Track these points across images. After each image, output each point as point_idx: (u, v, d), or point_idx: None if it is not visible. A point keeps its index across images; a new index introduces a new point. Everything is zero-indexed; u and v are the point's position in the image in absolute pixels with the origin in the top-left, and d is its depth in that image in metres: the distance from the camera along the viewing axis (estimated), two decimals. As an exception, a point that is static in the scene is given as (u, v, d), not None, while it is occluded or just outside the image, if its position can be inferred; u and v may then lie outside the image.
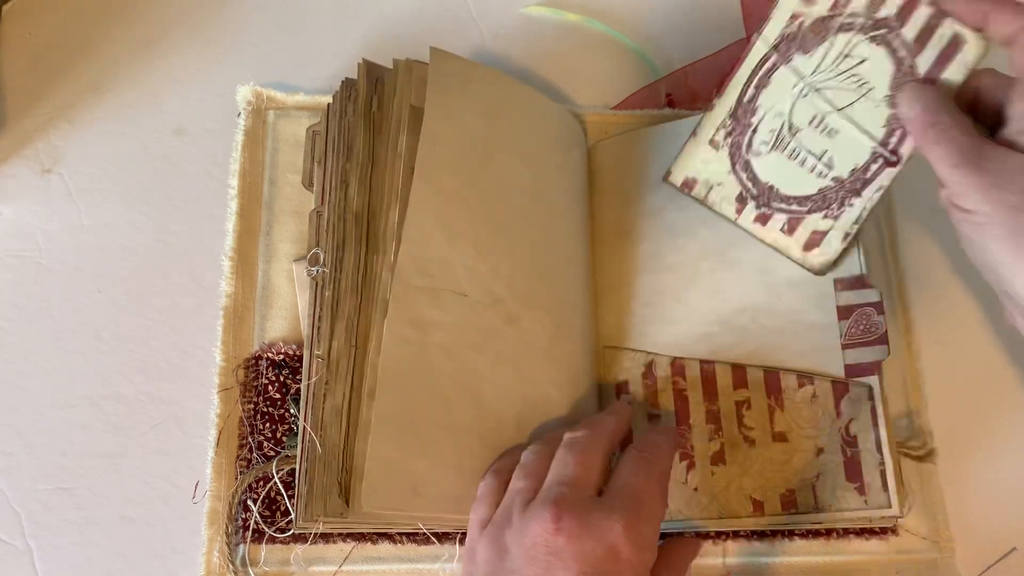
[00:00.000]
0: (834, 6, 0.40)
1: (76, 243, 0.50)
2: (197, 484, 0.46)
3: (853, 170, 0.42)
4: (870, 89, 0.40)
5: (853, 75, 0.41)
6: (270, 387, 0.46)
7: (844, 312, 0.43)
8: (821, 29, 0.41)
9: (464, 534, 0.44)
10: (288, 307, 0.48)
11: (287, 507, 0.44)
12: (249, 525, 0.44)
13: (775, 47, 0.42)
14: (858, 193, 0.42)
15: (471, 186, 0.43)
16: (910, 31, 0.39)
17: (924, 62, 0.39)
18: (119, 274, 0.50)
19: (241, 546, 0.44)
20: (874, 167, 0.41)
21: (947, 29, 0.38)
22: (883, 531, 0.45)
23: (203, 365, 0.48)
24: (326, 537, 0.44)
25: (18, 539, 0.45)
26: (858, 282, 0.43)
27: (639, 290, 0.47)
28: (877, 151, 0.41)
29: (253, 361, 0.47)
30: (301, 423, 0.40)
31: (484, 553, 0.36)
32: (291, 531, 0.43)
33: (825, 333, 0.43)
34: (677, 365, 0.45)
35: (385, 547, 0.44)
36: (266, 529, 0.43)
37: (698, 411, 0.43)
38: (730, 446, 0.43)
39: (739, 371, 0.43)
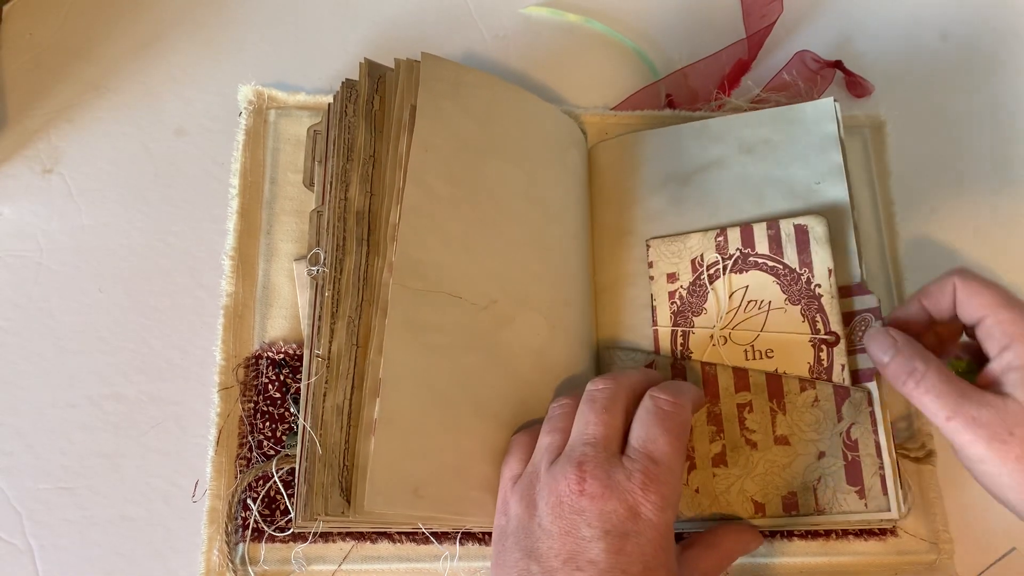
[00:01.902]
0: (694, 268, 0.45)
1: (76, 243, 0.50)
2: (197, 483, 0.46)
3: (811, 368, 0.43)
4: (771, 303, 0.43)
5: (751, 301, 0.44)
6: (270, 386, 0.46)
7: (844, 319, 0.43)
8: (697, 287, 0.45)
9: (464, 534, 0.44)
10: (288, 306, 0.48)
11: (287, 506, 0.44)
12: (249, 524, 0.44)
13: (675, 323, 0.45)
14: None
15: (463, 189, 0.44)
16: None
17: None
18: (119, 274, 0.50)
19: (241, 545, 0.44)
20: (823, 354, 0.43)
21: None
22: (882, 532, 0.45)
23: (203, 364, 0.48)
24: (325, 536, 0.44)
25: (19, 538, 0.45)
26: (857, 288, 0.43)
27: (639, 291, 0.47)
28: (814, 340, 0.43)
29: (253, 360, 0.47)
30: (301, 422, 0.40)
31: (515, 508, 0.37)
32: (291, 530, 0.44)
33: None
34: (678, 367, 0.45)
35: (384, 546, 0.44)
36: (266, 528, 0.44)
37: (699, 413, 0.43)
38: (731, 448, 0.43)
39: (740, 374, 0.43)
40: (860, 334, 0.42)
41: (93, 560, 0.45)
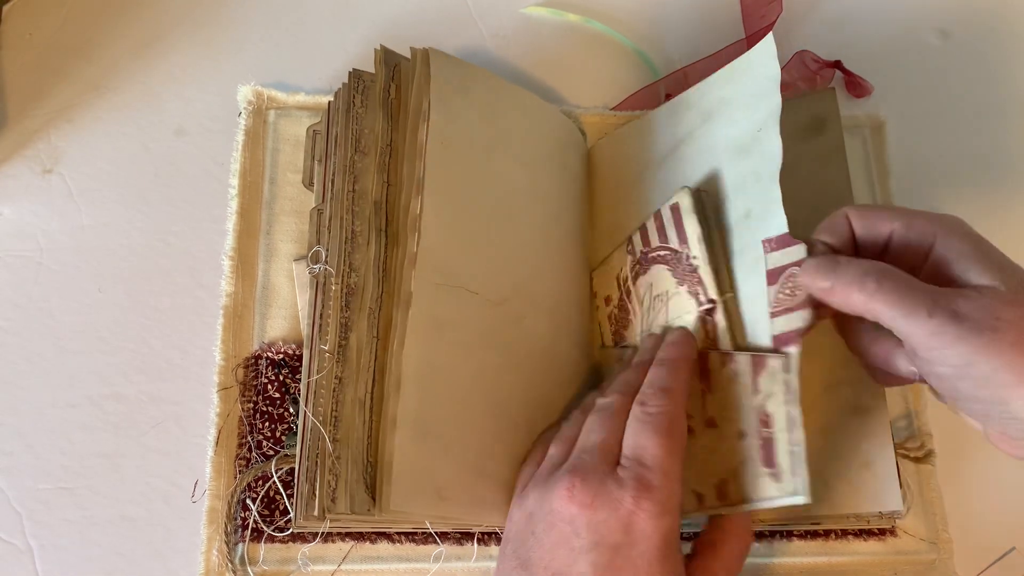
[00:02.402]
0: (618, 285, 0.45)
1: (76, 243, 0.50)
2: (196, 483, 0.46)
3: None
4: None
5: (656, 296, 0.43)
6: (270, 386, 0.46)
7: (773, 276, 0.37)
8: (622, 303, 0.44)
9: (463, 533, 0.44)
10: (288, 306, 0.48)
11: (286, 506, 0.44)
12: (248, 524, 0.44)
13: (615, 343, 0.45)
14: None
15: (475, 186, 0.43)
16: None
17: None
18: (119, 274, 0.50)
19: (240, 545, 0.44)
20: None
21: None
22: (881, 532, 0.45)
23: (203, 364, 0.48)
24: (325, 536, 0.44)
25: (18, 538, 0.45)
26: (784, 240, 0.37)
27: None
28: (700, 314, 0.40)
29: (253, 360, 0.47)
30: (301, 422, 0.40)
31: (517, 515, 0.37)
32: (290, 530, 0.44)
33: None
34: None
35: (384, 546, 0.44)
36: (265, 528, 0.44)
37: None
38: None
39: None
40: (788, 291, 0.36)
41: (93, 560, 0.45)
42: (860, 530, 0.45)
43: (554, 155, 0.48)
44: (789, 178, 0.44)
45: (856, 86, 0.56)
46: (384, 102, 0.44)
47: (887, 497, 0.40)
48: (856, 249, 0.36)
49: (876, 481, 0.40)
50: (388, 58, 0.45)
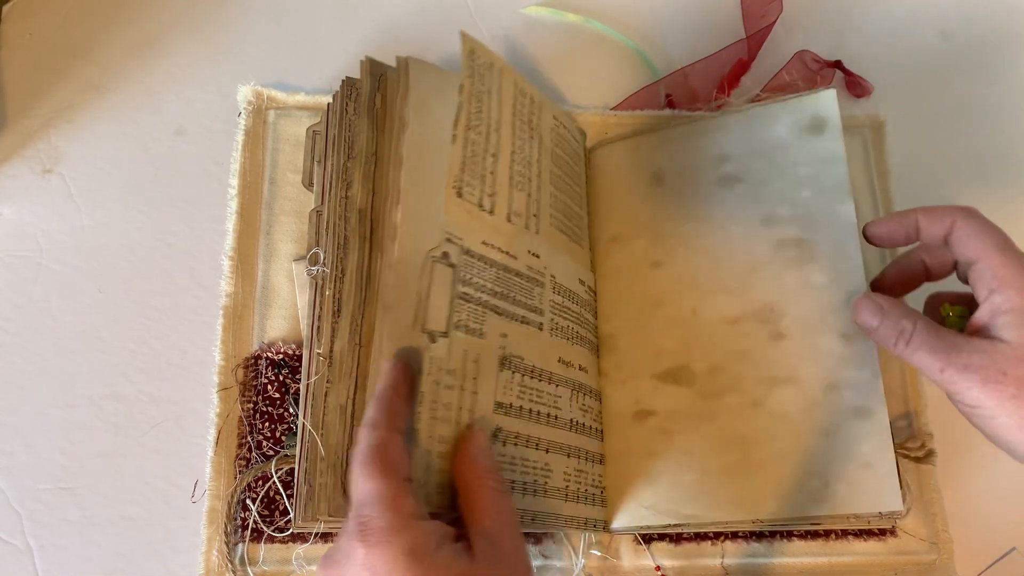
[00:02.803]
0: None
1: (76, 243, 0.50)
2: (196, 483, 0.46)
3: None
4: None
5: None
6: (269, 386, 0.46)
7: None
8: None
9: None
10: (288, 306, 0.48)
11: (286, 506, 0.44)
12: (248, 524, 0.44)
13: None
14: None
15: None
16: None
17: None
18: (119, 274, 0.50)
19: (240, 545, 0.44)
20: None
21: None
22: (881, 532, 0.45)
23: (203, 365, 0.48)
24: (325, 536, 0.44)
25: (18, 538, 0.45)
26: None
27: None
28: None
29: (252, 360, 0.47)
30: (300, 422, 0.40)
31: None
32: (290, 530, 0.44)
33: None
34: None
35: (384, 547, 0.44)
36: (265, 528, 0.44)
37: None
38: None
39: None
40: None
41: (93, 560, 0.45)
42: (860, 530, 0.45)
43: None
44: (787, 180, 0.45)
45: (856, 86, 0.56)
46: (370, 111, 0.44)
47: (887, 498, 0.40)
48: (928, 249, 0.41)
49: (876, 482, 0.40)
50: (374, 68, 0.45)
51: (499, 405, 0.40)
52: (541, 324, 0.43)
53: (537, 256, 0.44)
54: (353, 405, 0.39)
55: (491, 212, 0.42)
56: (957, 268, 0.41)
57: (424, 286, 0.38)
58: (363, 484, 0.34)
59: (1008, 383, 0.35)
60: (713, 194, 0.46)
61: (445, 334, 0.39)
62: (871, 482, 0.40)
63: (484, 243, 0.41)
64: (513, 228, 0.43)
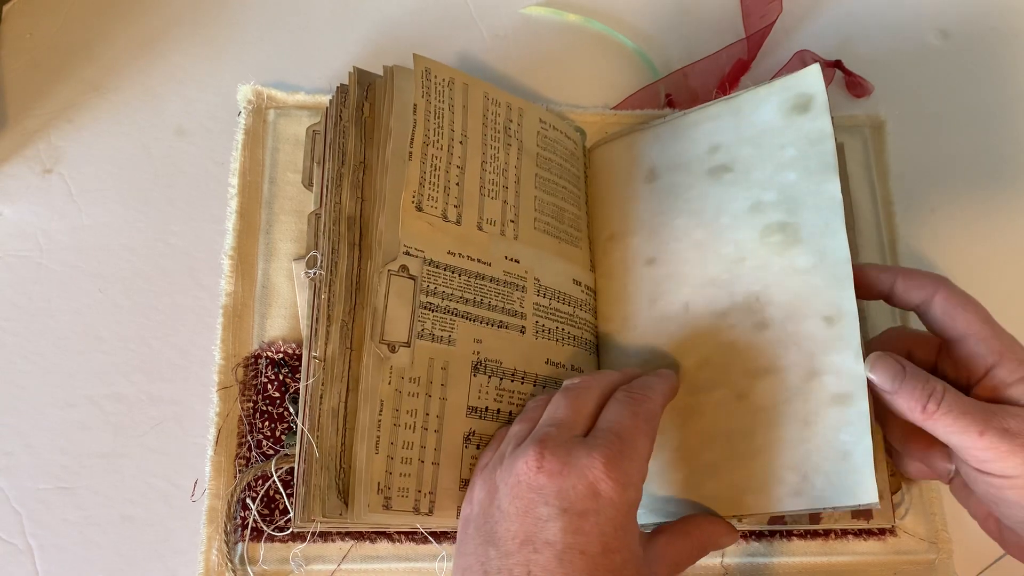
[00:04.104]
0: None
1: (76, 243, 0.50)
2: (196, 483, 0.46)
3: None
4: None
5: None
6: (269, 386, 0.46)
7: None
8: None
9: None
10: (287, 306, 0.48)
11: (286, 506, 0.44)
12: (248, 524, 0.44)
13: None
14: None
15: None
16: None
17: None
18: (119, 274, 0.50)
19: (240, 544, 0.44)
20: None
21: None
22: (881, 532, 0.45)
23: (203, 364, 0.48)
24: (324, 536, 0.44)
25: (18, 538, 0.45)
26: None
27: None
28: None
29: (252, 360, 0.47)
30: (300, 422, 0.40)
31: (478, 494, 0.37)
32: (290, 530, 0.44)
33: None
34: None
35: (384, 546, 0.44)
36: (265, 528, 0.44)
37: None
38: None
39: None
40: None
41: (93, 560, 0.45)
42: (860, 530, 0.45)
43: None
44: (774, 164, 0.44)
45: (856, 86, 0.56)
46: (358, 120, 0.44)
47: (862, 490, 0.37)
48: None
49: (852, 473, 0.37)
50: (362, 78, 0.45)
51: (472, 409, 0.42)
52: (523, 328, 0.44)
53: (516, 261, 0.45)
54: (345, 408, 0.39)
55: (457, 223, 0.43)
56: (929, 327, 0.40)
57: (380, 300, 0.40)
58: (633, 425, 0.36)
59: None
60: (704, 186, 0.46)
61: (407, 344, 0.40)
62: (847, 474, 0.38)
63: (450, 253, 0.42)
64: (486, 236, 0.44)
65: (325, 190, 0.43)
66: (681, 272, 0.45)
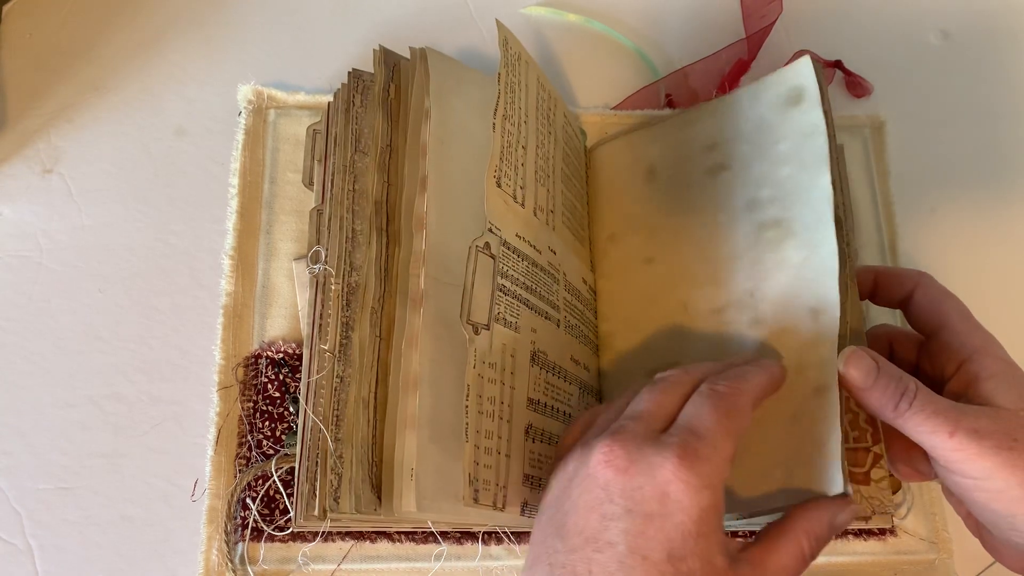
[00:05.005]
0: None
1: (76, 243, 0.50)
2: (196, 483, 0.46)
3: None
4: None
5: None
6: (269, 385, 0.46)
7: None
8: None
9: (464, 533, 0.44)
10: (288, 306, 0.48)
11: (286, 505, 0.44)
12: (248, 523, 0.44)
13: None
14: None
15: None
16: None
17: None
18: (119, 274, 0.50)
19: (240, 544, 0.44)
20: None
21: None
22: (881, 532, 0.45)
23: (203, 364, 0.48)
24: (325, 535, 0.44)
25: (18, 538, 0.45)
26: None
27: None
28: None
29: (253, 360, 0.47)
30: (301, 421, 0.40)
31: (555, 482, 0.35)
32: (290, 529, 0.44)
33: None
34: None
35: (384, 546, 0.44)
36: (265, 527, 0.44)
37: None
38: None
39: None
40: None
41: (93, 560, 0.45)
42: (860, 530, 0.45)
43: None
44: (769, 160, 0.44)
45: (856, 86, 0.56)
46: (383, 102, 0.44)
47: (833, 480, 0.36)
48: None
49: (827, 464, 0.36)
50: (387, 58, 0.45)
51: (531, 401, 0.40)
52: (559, 321, 0.43)
53: (554, 252, 0.43)
54: (375, 398, 0.38)
55: (522, 204, 0.41)
56: (911, 324, 0.40)
57: (469, 277, 0.37)
58: (712, 420, 0.33)
59: (1020, 450, 0.33)
60: (702, 184, 0.46)
61: (487, 326, 0.38)
62: (823, 465, 0.37)
63: (517, 235, 0.40)
64: (538, 222, 0.43)
65: (331, 181, 0.43)
66: (679, 271, 0.45)
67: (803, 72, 0.43)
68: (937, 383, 0.38)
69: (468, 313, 0.37)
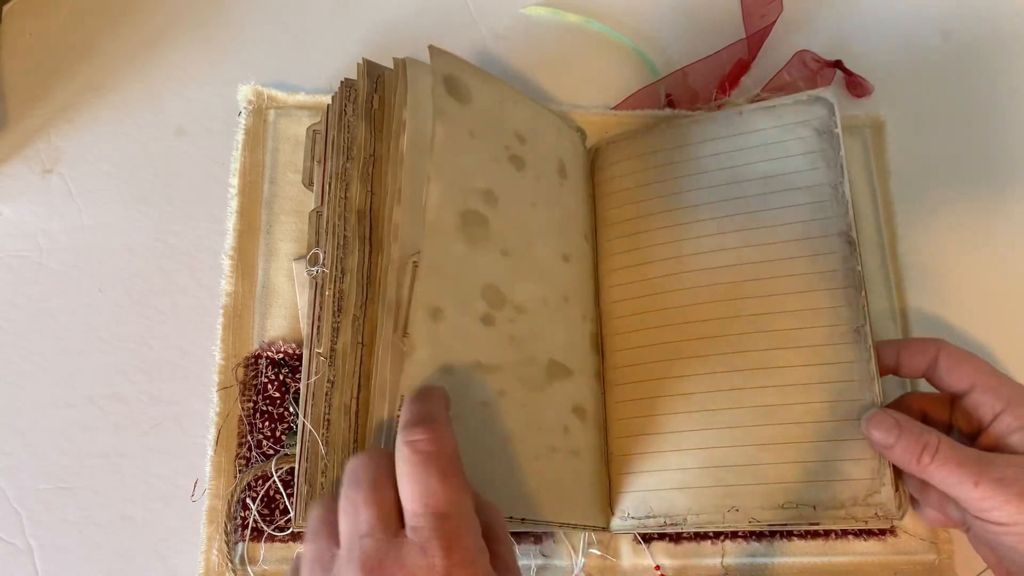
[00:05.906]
0: None
1: (76, 243, 0.50)
2: (196, 483, 0.46)
3: None
4: None
5: None
6: (269, 386, 0.46)
7: None
8: None
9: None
10: (288, 306, 0.48)
11: (286, 506, 0.44)
12: (248, 523, 0.44)
13: None
14: None
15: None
16: None
17: None
18: (119, 274, 0.50)
19: (240, 544, 0.44)
20: None
21: None
22: (881, 532, 0.45)
23: (203, 364, 0.48)
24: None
25: (18, 538, 0.45)
26: None
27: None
28: None
29: (253, 360, 0.47)
30: (301, 422, 0.40)
31: None
32: (290, 529, 0.44)
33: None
34: None
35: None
36: (265, 528, 0.44)
37: None
38: None
39: None
40: None
41: (93, 560, 0.45)
42: (860, 530, 0.45)
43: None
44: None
45: (856, 86, 0.56)
46: (367, 113, 0.44)
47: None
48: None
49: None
50: (371, 70, 0.45)
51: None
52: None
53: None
54: (357, 404, 0.39)
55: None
56: (938, 388, 0.41)
57: (405, 290, 0.39)
58: (445, 488, 0.31)
59: None
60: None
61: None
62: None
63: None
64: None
65: (328, 185, 0.43)
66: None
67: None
68: (973, 438, 0.40)
69: (405, 325, 0.38)
